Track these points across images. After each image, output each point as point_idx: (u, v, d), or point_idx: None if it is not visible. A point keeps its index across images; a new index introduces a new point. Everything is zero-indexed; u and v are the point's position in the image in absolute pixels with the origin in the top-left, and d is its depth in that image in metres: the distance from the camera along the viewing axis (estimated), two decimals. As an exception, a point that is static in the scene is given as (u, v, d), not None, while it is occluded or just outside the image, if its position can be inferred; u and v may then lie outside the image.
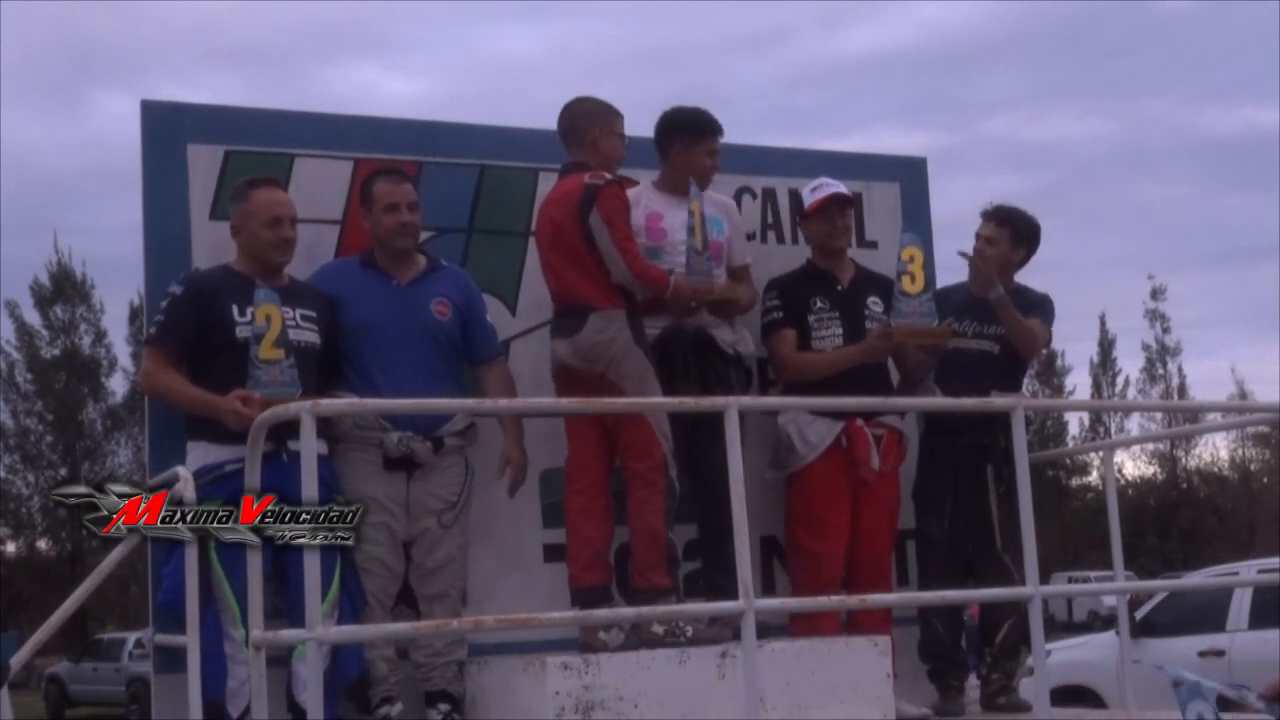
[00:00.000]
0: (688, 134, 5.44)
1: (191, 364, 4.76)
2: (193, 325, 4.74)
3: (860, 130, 64.86)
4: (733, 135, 5.67)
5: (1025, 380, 6.19)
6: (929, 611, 5.74)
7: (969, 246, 5.93)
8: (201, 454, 4.67)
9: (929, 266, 5.45)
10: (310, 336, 4.84)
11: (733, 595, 4.10)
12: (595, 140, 5.12)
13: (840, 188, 5.62)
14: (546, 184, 5.60)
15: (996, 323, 5.80)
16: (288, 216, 4.87)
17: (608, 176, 5.03)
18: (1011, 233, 5.89)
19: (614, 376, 4.91)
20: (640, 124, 5.46)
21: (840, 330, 5.54)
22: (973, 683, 5.90)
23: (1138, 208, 62.67)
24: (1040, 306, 5.95)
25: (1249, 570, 11.16)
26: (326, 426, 4.62)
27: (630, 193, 5.34)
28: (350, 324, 4.97)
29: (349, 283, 5.03)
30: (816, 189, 5.62)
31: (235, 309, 4.71)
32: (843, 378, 5.36)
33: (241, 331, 4.66)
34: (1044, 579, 4.48)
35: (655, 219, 5.34)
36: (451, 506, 4.96)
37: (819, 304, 5.55)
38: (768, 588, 5.58)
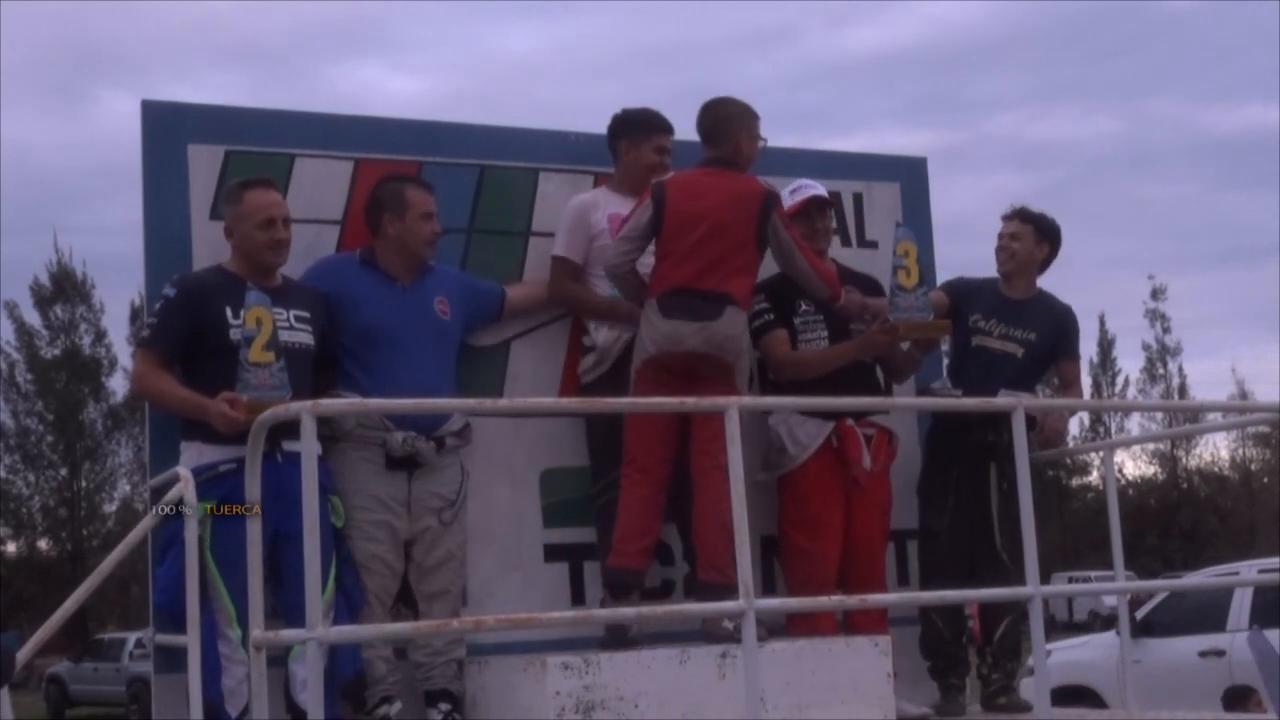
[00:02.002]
0: (635, 131, 5.49)
1: (185, 366, 4.74)
2: (185, 328, 4.71)
3: (863, 129, 64.99)
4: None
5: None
6: (930, 607, 5.74)
7: (978, 245, 5.97)
8: (195, 454, 4.65)
9: (925, 262, 5.46)
10: (303, 337, 4.82)
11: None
12: (739, 142, 5.24)
13: (819, 190, 5.60)
14: (547, 184, 5.61)
15: (1024, 326, 5.84)
16: (280, 217, 4.83)
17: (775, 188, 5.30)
18: (1035, 229, 5.94)
19: (739, 369, 5.13)
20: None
21: (825, 333, 5.54)
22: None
23: (1140, 207, 62.78)
24: (1074, 342, 6.04)
25: (1249, 570, 11.18)
26: (326, 426, 4.62)
27: (588, 196, 5.40)
28: (357, 326, 4.96)
29: (351, 282, 5.02)
30: (795, 191, 5.61)
31: (228, 311, 4.69)
32: (832, 378, 5.36)
33: (234, 334, 4.63)
34: (1044, 579, 4.47)
35: (616, 220, 5.32)
36: (451, 504, 4.97)
37: (804, 306, 5.54)
38: (767, 588, 5.58)
